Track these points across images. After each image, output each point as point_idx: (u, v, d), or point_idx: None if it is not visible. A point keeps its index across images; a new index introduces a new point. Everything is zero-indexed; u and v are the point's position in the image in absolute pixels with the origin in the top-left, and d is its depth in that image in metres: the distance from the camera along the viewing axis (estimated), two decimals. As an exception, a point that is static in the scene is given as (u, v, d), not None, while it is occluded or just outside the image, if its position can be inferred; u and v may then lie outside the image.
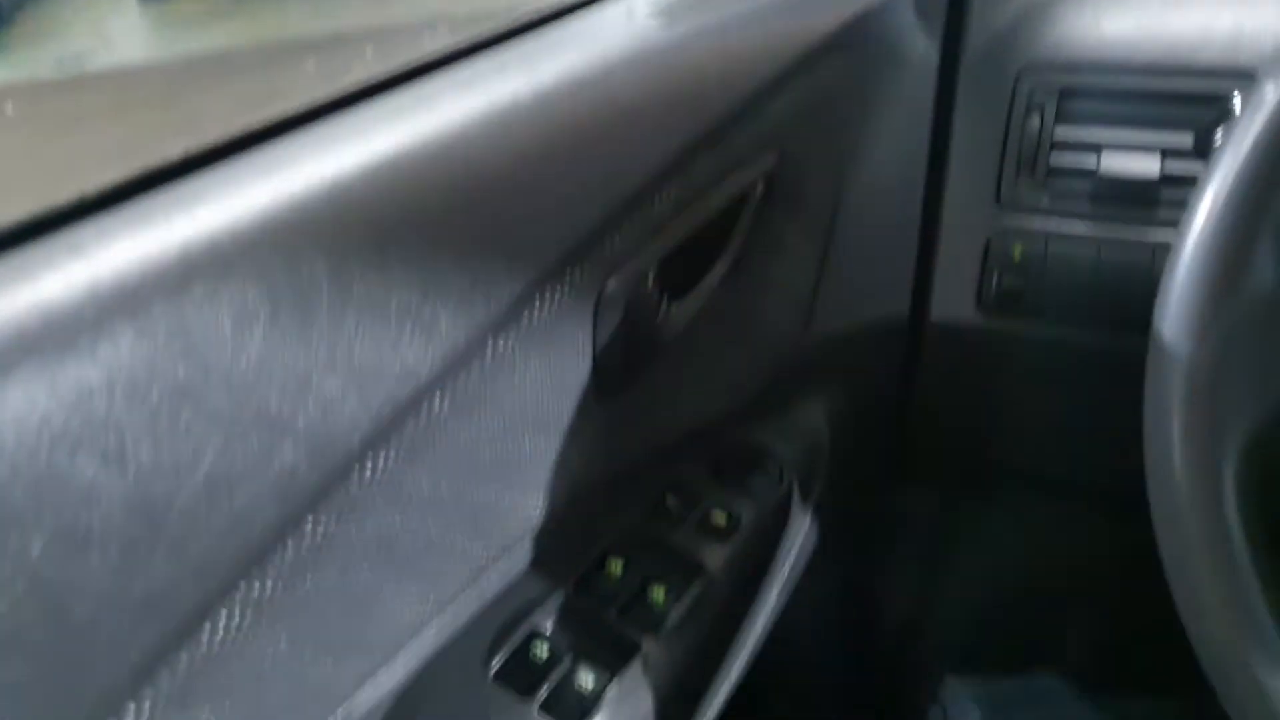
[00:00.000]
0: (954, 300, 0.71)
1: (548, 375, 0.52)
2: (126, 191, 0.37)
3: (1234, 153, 0.43)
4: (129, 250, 0.34)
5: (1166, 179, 0.66)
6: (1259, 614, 0.43)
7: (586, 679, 0.53)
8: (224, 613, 0.38)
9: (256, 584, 0.39)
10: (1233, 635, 0.43)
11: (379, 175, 0.39)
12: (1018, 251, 0.69)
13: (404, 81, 0.47)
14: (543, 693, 0.52)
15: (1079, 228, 0.68)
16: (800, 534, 0.69)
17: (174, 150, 0.39)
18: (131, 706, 0.36)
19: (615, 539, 0.61)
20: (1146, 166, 0.66)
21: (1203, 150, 0.64)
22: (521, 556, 0.58)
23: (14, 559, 0.30)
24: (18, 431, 0.29)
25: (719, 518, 0.63)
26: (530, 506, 0.56)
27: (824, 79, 0.65)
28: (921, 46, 0.71)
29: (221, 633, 0.38)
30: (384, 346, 0.40)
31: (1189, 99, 0.66)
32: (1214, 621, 0.44)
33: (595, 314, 0.53)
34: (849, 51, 0.66)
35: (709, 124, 0.56)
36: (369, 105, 0.45)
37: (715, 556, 0.61)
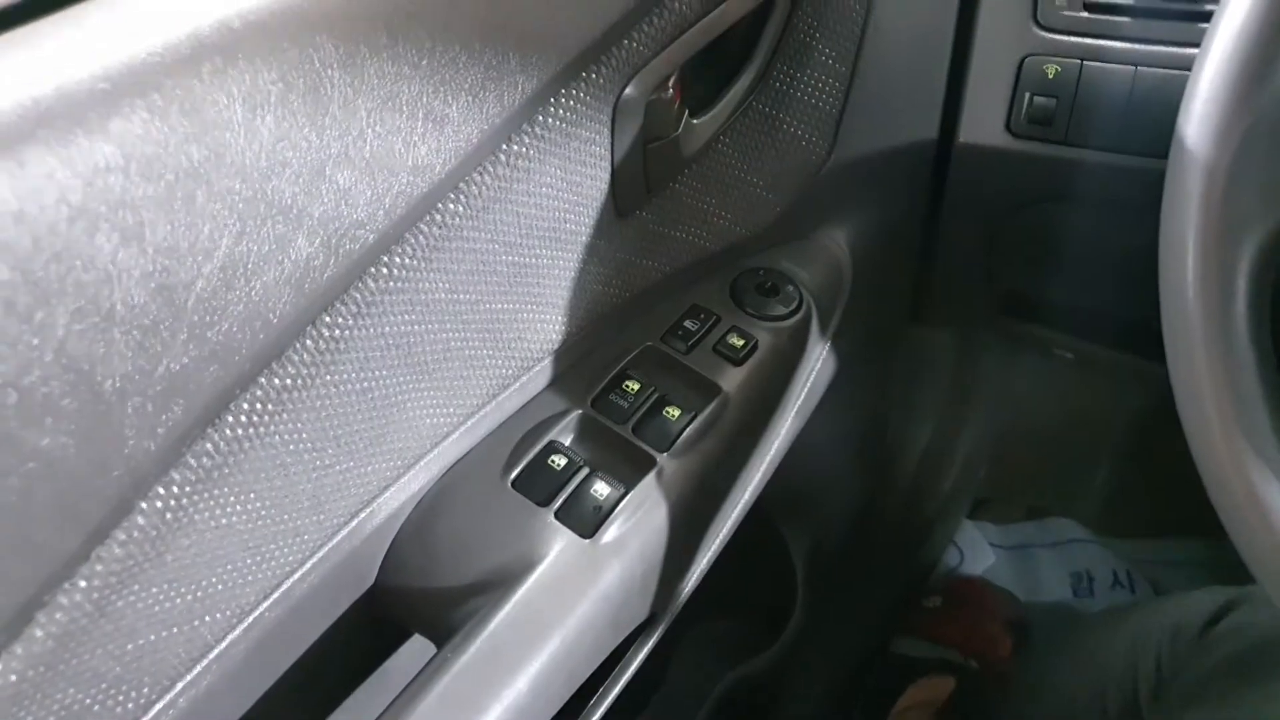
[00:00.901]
0: (984, 123, 0.69)
1: (565, 184, 0.51)
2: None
3: None
4: (136, 26, 0.33)
5: None
6: (1262, 427, 0.43)
7: (601, 490, 0.54)
8: (245, 402, 0.39)
9: (277, 377, 0.40)
10: (1236, 448, 0.43)
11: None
12: (1052, 71, 0.66)
13: None
14: (559, 501, 0.54)
15: (1117, 47, 0.66)
16: (818, 360, 0.69)
17: None
18: (159, 490, 0.37)
19: (633, 358, 0.61)
20: None
21: None
22: (540, 372, 0.58)
23: (40, 330, 0.30)
24: (38, 204, 0.29)
25: (736, 341, 0.64)
26: (548, 322, 0.56)
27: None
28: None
29: (245, 421, 0.39)
30: (396, 139, 0.39)
31: None
32: (1217, 433, 0.44)
33: (613, 121, 0.51)
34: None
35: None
36: None
37: (732, 379, 0.62)
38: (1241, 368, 0.44)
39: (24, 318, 0.30)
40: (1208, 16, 0.62)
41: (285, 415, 0.41)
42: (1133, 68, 0.65)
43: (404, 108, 0.39)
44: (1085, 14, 0.66)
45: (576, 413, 0.58)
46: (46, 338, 0.30)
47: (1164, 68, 0.64)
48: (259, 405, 0.40)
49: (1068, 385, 1.12)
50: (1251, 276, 0.43)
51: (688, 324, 0.64)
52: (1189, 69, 0.53)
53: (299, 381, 0.41)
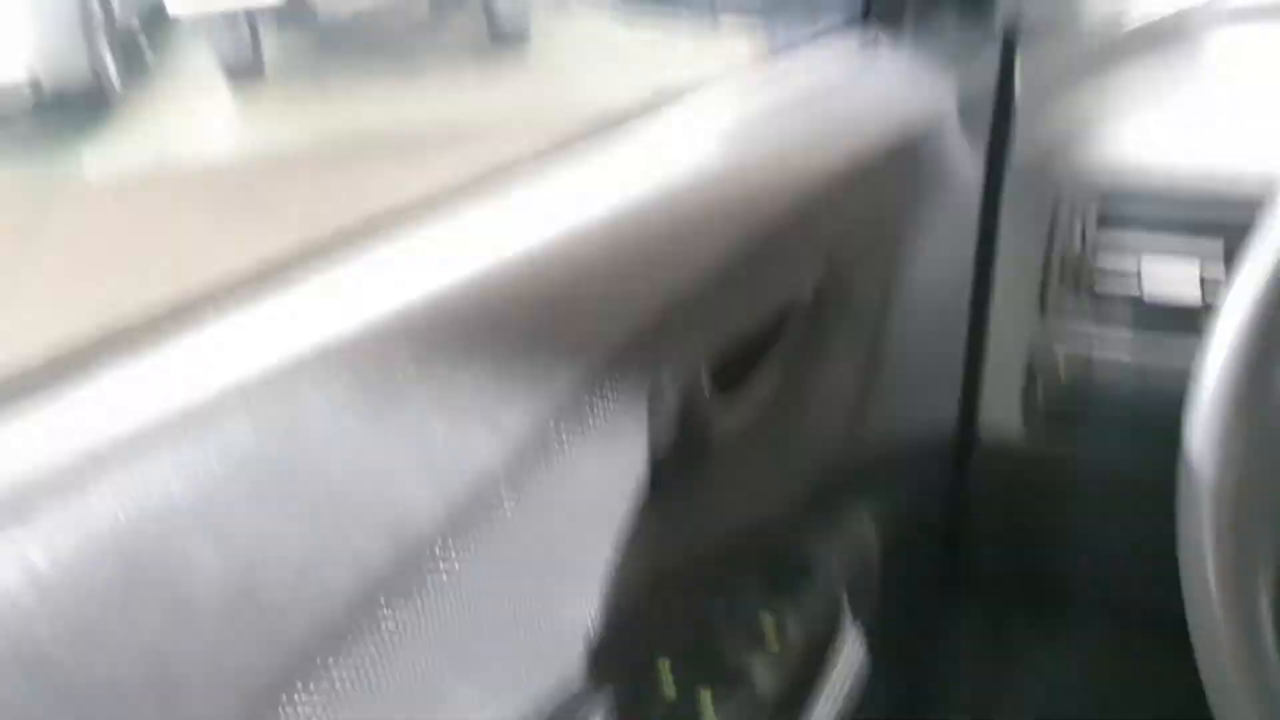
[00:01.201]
0: (1001, 413, 0.72)
1: (605, 473, 0.54)
2: (241, 293, 0.41)
3: (1252, 272, 0.44)
4: (245, 348, 0.38)
5: (1206, 281, 0.67)
6: None
7: None
8: (302, 693, 0.40)
9: (335, 669, 0.42)
10: None
11: (466, 281, 0.44)
12: (1063, 370, 0.70)
13: (485, 190, 0.52)
14: None
15: (1123, 341, 0.69)
16: (850, 648, 0.69)
17: (275, 250, 0.44)
18: None
19: (665, 643, 0.62)
20: (1187, 283, 0.68)
21: (1231, 260, 0.65)
22: (573, 654, 0.59)
23: (129, 621, 0.33)
24: (150, 510, 0.33)
25: (768, 626, 0.64)
26: (584, 604, 0.57)
27: (872, 193, 0.68)
28: (967, 163, 0.74)
29: (302, 713, 0.41)
30: (458, 440, 0.43)
31: (1224, 204, 0.68)
32: None
33: (649, 414, 0.55)
34: (897, 168, 0.69)
35: (762, 233, 0.59)
36: (457, 211, 0.49)
37: (763, 666, 0.62)
38: (1273, 683, 0.44)
39: (119, 609, 0.32)
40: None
41: (341, 707, 0.42)
42: (1141, 363, 0.68)
43: (466, 412, 0.43)
44: (1091, 310, 0.71)
45: (609, 697, 0.58)
46: (134, 629, 0.33)
47: (1172, 357, 0.67)
48: (315, 697, 0.41)
49: (1105, 671, 1.09)
50: (1276, 601, 0.44)
51: (719, 607, 0.65)
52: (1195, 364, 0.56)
53: (356, 673, 0.42)
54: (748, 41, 0.89)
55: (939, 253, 0.75)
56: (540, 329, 0.46)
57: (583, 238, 0.49)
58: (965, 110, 0.73)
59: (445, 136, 4.68)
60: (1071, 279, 0.71)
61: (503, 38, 5.78)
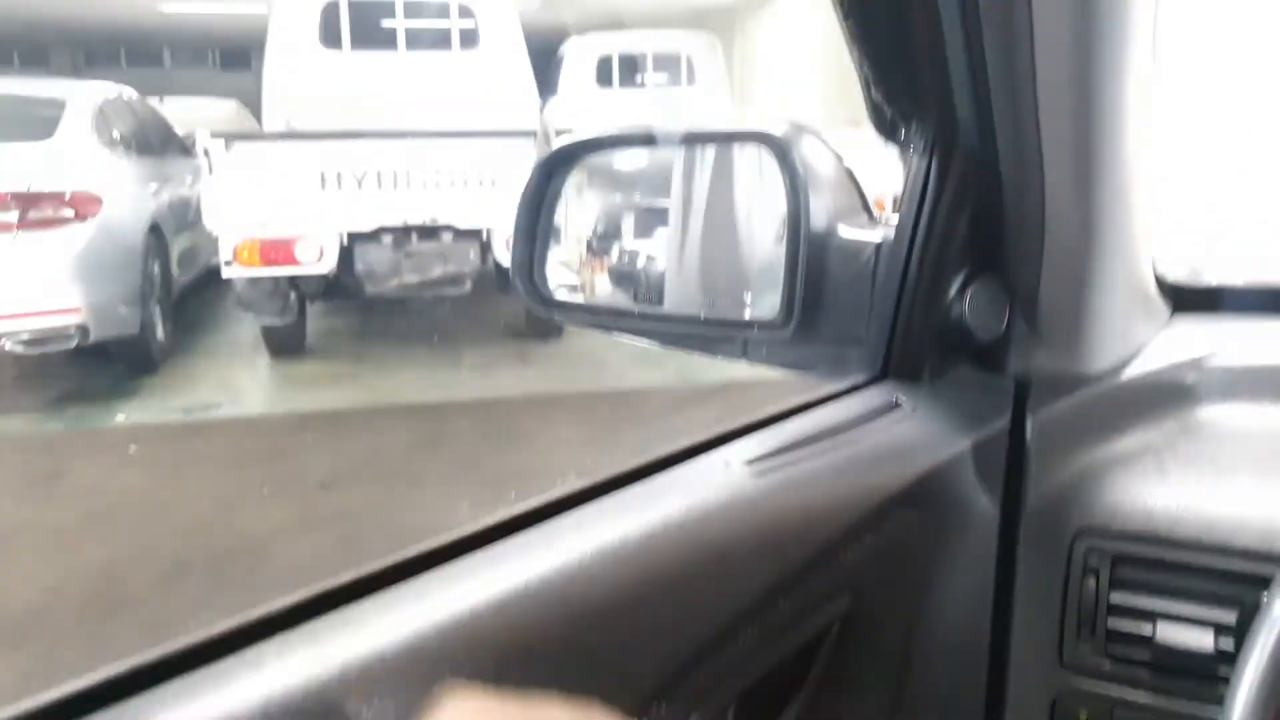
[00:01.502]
0: None
1: None
2: (302, 613, 0.42)
3: (1259, 655, 0.44)
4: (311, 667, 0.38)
5: (1221, 654, 0.66)
6: None
7: None
8: None
9: None
10: None
11: (509, 606, 0.45)
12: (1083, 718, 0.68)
13: (533, 522, 0.54)
14: None
15: (1140, 697, 0.68)
16: None
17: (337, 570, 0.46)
18: None
19: None
20: (1200, 640, 0.67)
21: (1242, 633, 0.64)
22: None
23: None
24: None
25: None
26: None
27: (894, 531, 0.68)
28: (983, 504, 0.75)
29: None
30: None
31: (1232, 577, 0.68)
32: None
33: None
34: (916, 506, 0.70)
35: (790, 569, 0.59)
36: (505, 542, 0.51)
37: None
38: None
39: None
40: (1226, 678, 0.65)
41: None
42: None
43: None
44: (1108, 662, 0.69)
45: None
46: None
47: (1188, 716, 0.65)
48: None
49: None
50: None
51: None
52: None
53: None
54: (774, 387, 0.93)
55: (959, 595, 0.75)
56: (569, 669, 0.47)
57: (615, 578, 0.51)
58: (980, 458, 0.75)
59: (469, 405, 4.86)
60: (1088, 636, 0.71)
61: (541, 328, 6.08)
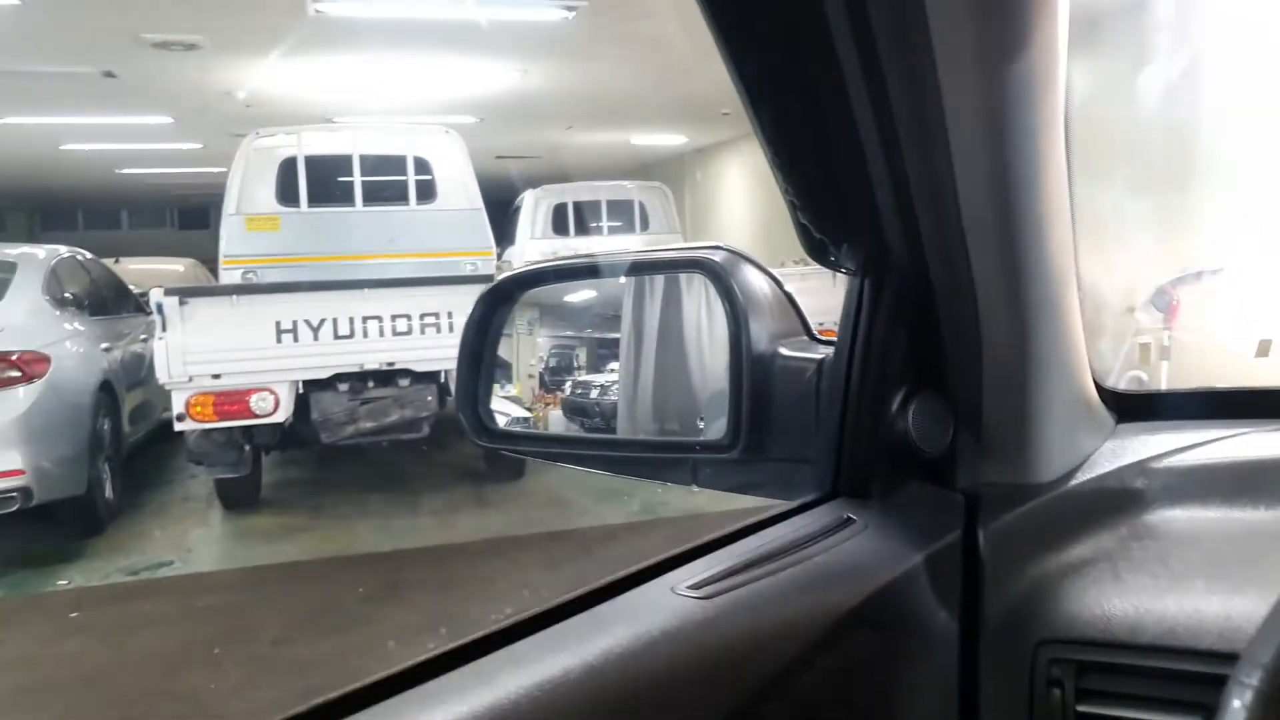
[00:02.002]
0: None
1: None
2: None
3: None
4: None
5: None
6: None
7: None
8: None
9: None
10: None
11: None
12: None
13: (466, 659, 0.51)
14: None
15: None
16: None
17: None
18: None
19: None
20: None
21: None
22: None
23: None
24: None
25: None
26: None
27: (851, 651, 0.66)
28: (941, 619, 0.74)
29: None
30: None
31: (1194, 679, 0.67)
32: None
33: None
34: (872, 625, 0.68)
35: (743, 696, 0.57)
36: (436, 681, 0.48)
37: None
38: None
39: None
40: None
41: None
42: None
43: None
44: None
45: None
46: None
47: None
48: None
49: None
50: None
51: None
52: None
53: None
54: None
55: (923, 715, 0.72)
56: None
57: (562, 703, 0.48)
58: (934, 572, 0.74)
59: (427, 552, 4.74)
60: None
61: (500, 470, 6.06)
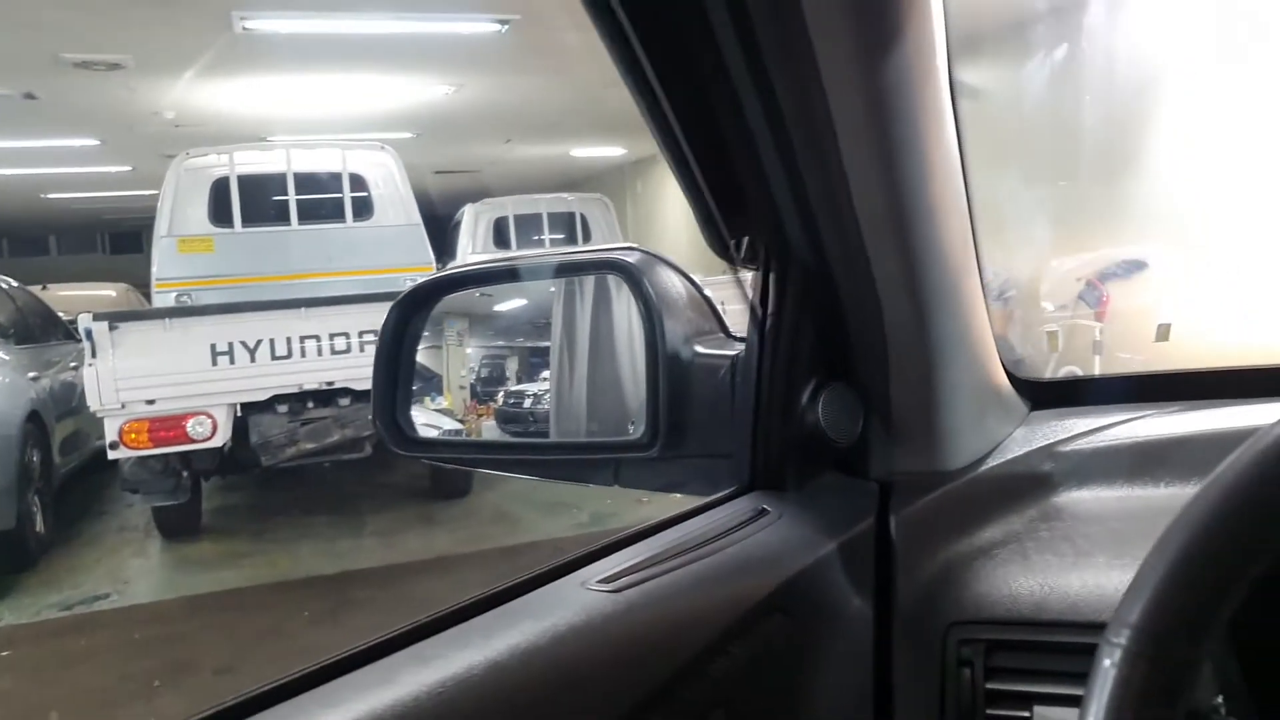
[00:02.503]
0: None
1: None
2: None
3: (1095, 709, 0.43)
4: None
5: None
6: None
7: None
8: None
9: None
10: None
11: None
12: None
13: (368, 660, 0.50)
14: None
15: None
16: None
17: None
18: None
19: None
20: (1073, 717, 0.67)
21: None
22: None
23: None
24: None
25: None
26: None
27: (764, 639, 0.68)
28: (855, 605, 0.76)
29: None
30: None
31: (1094, 650, 0.68)
32: None
33: None
34: (785, 612, 0.70)
35: (654, 686, 0.57)
36: (338, 681, 0.48)
37: None
38: None
39: None
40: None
41: None
42: None
43: None
44: None
45: None
46: None
47: None
48: None
49: None
50: None
51: None
52: None
53: None
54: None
55: (838, 699, 0.74)
56: None
57: (457, 711, 0.48)
58: (848, 559, 0.76)
59: (373, 573, 4.67)
60: None
61: (446, 487, 6.04)
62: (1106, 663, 0.42)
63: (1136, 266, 4.69)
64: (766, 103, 0.67)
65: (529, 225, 10.47)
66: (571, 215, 10.58)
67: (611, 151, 13.77)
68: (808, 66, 0.64)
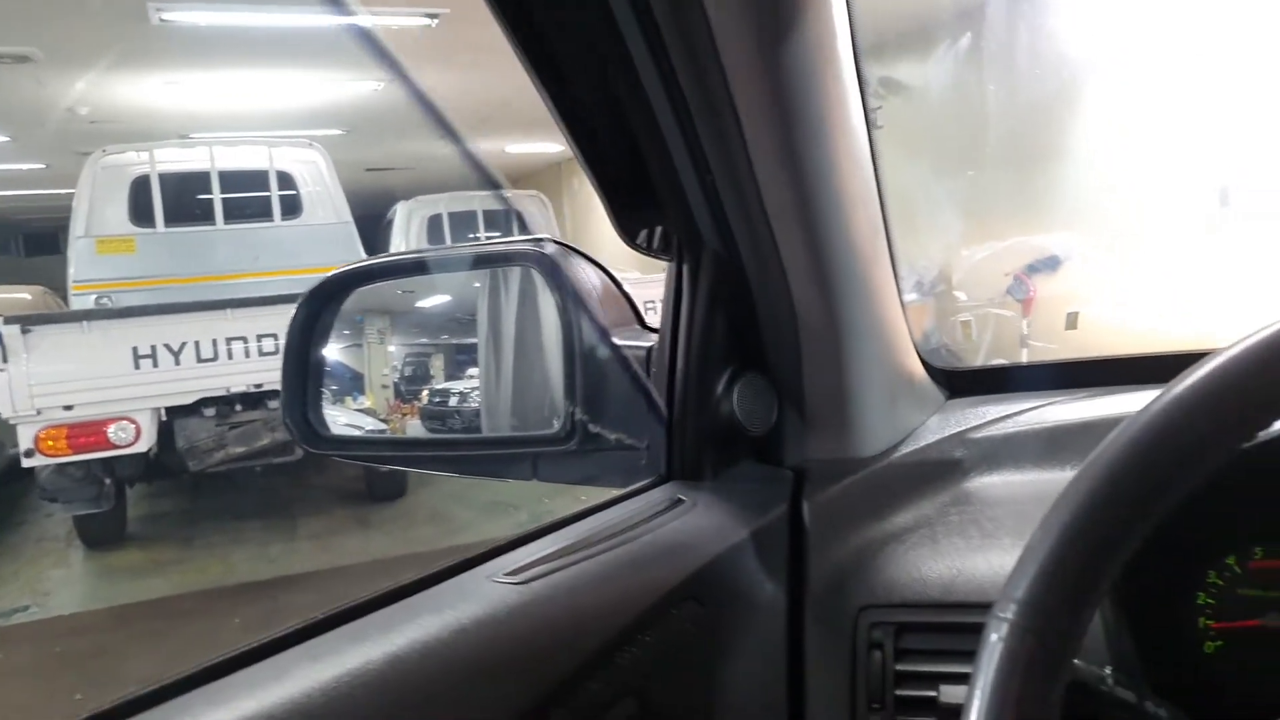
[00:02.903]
0: None
1: None
2: None
3: (983, 679, 0.44)
4: None
5: None
6: None
7: None
8: None
9: None
10: None
11: None
12: None
13: (258, 657, 0.49)
14: None
15: None
16: None
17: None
18: None
19: None
20: None
21: None
22: None
23: None
24: None
25: None
26: None
27: (676, 626, 0.68)
28: (768, 591, 0.76)
29: None
30: None
31: None
32: None
33: None
34: (697, 599, 0.70)
35: (561, 678, 0.57)
36: (228, 679, 0.47)
37: None
38: None
39: None
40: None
41: None
42: None
43: None
44: None
45: None
46: None
47: None
48: None
49: None
50: None
51: None
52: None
53: None
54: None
55: (752, 684, 0.74)
56: None
57: (353, 707, 0.47)
58: (761, 546, 0.76)
59: (308, 577, 4.59)
60: (879, 709, 0.72)
61: (381, 490, 5.96)
62: (994, 637, 0.43)
63: (1058, 260, 4.81)
64: (671, 93, 0.67)
65: (464, 223, 10.37)
66: (507, 213, 10.49)
67: (547, 148, 13.69)
68: (709, 57, 0.64)
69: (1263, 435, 0.63)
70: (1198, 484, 0.44)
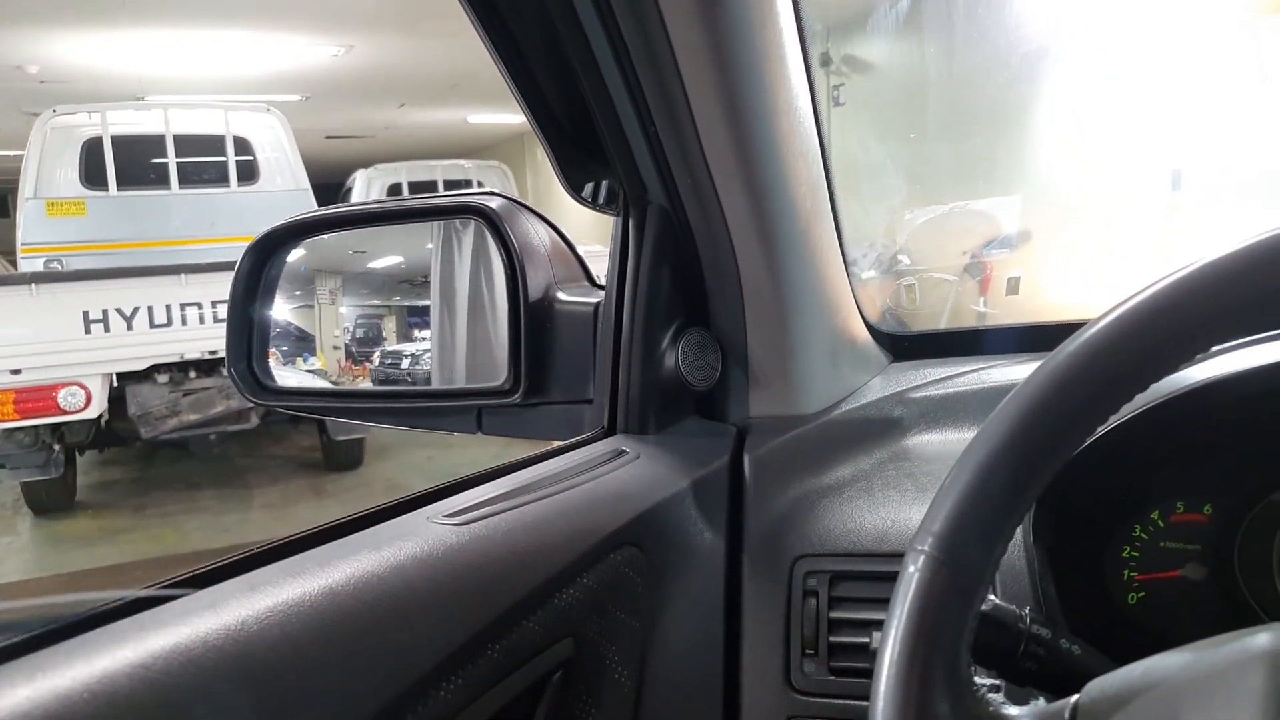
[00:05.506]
0: None
1: None
2: None
3: (898, 614, 0.46)
4: None
5: None
6: None
7: None
8: None
9: None
10: None
11: (158, 679, 0.42)
12: None
13: (192, 587, 0.50)
14: None
15: (863, 707, 0.71)
16: None
17: None
18: None
19: None
20: None
21: None
22: None
23: None
24: None
25: None
26: None
27: (614, 570, 0.69)
28: (707, 539, 0.78)
29: None
30: None
31: None
32: None
33: None
34: (636, 545, 0.71)
35: (496, 616, 0.58)
36: (162, 608, 0.47)
37: None
38: None
39: None
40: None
41: None
42: None
43: None
44: (832, 678, 0.72)
45: None
46: None
47: None
48: None
49: None
50: None
51: None
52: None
53: None
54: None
55: (689, 629, 0.76)
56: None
57: (288, 636, 0.48)
58: (700, 496, 0.78)
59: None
60: (813, 656, 0.73)
61: (338, 459, 5.91)
62: (911, 568, 0.45)
63: (1013, 240, 4.90)
64: (614, 43, 0.67)
65: (424, 192, 10.27)
66: (469, 183, 10.41)
67: (510, 119, 13.57)
68: (650, 6, 0.64)
69: (1181, 388, 0.66)
70: (1104, 426, 0.46)
